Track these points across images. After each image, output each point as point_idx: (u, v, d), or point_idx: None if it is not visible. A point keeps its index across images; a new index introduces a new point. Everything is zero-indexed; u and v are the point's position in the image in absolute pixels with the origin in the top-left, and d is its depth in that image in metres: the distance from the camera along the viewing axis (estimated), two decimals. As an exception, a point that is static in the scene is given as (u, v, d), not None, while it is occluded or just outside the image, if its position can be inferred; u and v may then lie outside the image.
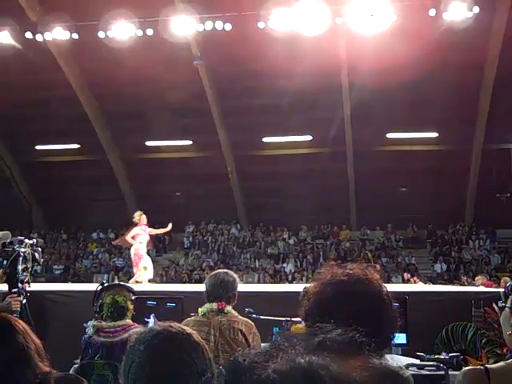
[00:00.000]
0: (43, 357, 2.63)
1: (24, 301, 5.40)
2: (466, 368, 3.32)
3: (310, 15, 16.57)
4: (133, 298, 5.23)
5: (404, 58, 18.75)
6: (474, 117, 23.06)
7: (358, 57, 19.80)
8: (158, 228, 14.26)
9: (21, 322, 2.68)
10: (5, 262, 5.57)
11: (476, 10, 16.41)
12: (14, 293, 5.39)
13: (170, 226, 14.02)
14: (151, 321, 5.79)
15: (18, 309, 5.25)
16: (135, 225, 13.17)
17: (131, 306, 5.12)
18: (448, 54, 19.94)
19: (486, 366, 3.09)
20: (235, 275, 5.06)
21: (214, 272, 5.15)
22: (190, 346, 2.02)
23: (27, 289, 5.54)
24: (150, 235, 13.46)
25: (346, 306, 2.12)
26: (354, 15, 16.72)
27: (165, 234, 13.73)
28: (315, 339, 1.09)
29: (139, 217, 13.17)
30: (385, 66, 18.84)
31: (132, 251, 13.15)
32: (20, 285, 5.46)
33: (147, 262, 13.06)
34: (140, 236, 13.04)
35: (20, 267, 5.51)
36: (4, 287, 5.84)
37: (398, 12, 16.54)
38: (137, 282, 12.45)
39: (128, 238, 13.17)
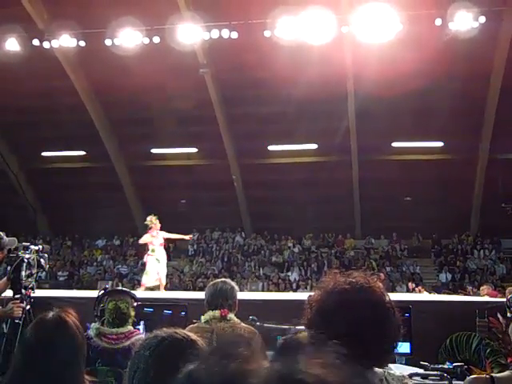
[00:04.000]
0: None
1: (28, 307, 5.40)
2: (472, 376, 3.32)
3: (316, 24, 16.62)
4: (134, 304, 5.22)
5: (410, 67, 18.77)
6: (479, 126, 23.03)
7: (364, 66, 19.82)
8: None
9: (73, 317, 2.79)
10: (9, 267, 5.59)
11: (482, 19, 16.43)
12: (17, 299, 5.39)
13: (190, 236, 13.80)
14: (141, 328, 5.77)
15: (20, 315, 5.25)
16: (148, 229, 13.08)
17: (133, 313, 5.11)
18: (454, 64, 19.93)
19: (492, 374, 3.09)
20: (233, 283, 5.09)
21: (212, 282, 5.18)
22: (195, 353, 2.02)
23: (32, 295, 5.54)
24: (164, 239, 13.26)
25: (348, 314, 2.12)
26: (360, 24, 16.76)
27: (180, 239, 13.54)
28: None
29: (155, 221, 13.02)
30: (390, 75, 18.85)
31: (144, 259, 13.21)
32: (24, 291, 5.46)
33: (151, 268, 12.89)
34: (151, 244, 12.92)
35: (24, 273, 5.51)
36: (8, 293, 5.86)
37: (404, 21, 16.58)
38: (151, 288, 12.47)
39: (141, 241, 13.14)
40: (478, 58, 19.97)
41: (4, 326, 5.37)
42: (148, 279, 12.76)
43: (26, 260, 5.56)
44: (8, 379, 2.66)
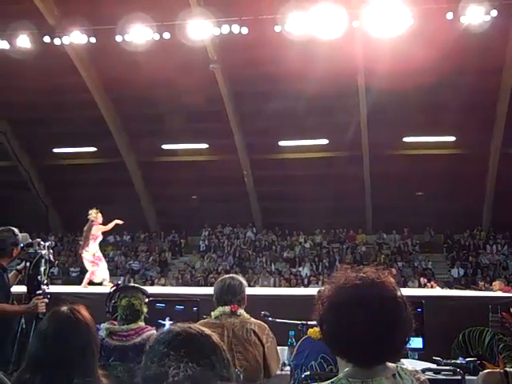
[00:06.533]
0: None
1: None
2: (486, 371, 3.30)
3: (326, 19, 16.53)
4: (146, 300, 5.25)
5: (421, 61, 18.68)
6: (491, 121, 22.91)
7: (375, 60, 19.75)
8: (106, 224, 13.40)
9: (85, 311, 2.87)
10: (27, 263, 5.63)
11: (494, 13, 16.28)
12: (39, 294, 5.44)
13: (116, 220, 13.38)
14: (167, 323, 5.80)
15: (44, 310, 5.29)
16: (91, 222, 12.31)
17: (145, 309, 5.14)
18: (465, 58, 19.83)
19: (506, 369, 3.08)
20: (241, 278, 5.10)
21: (220, 278, 5.18)
22: (210, 347, 2.03)
23: (46, 290, 5.59)
24: (102, 233, 12.69)
25: (360, 309, 2.11)
26: (371, 19, 16.66)
27: (112, 229, 13.09)
28: None
29: (96, 214, 12.37)
30: (402, 69, 18.78)
31: (90, 252, 12.24)
32: (43, 286, 5.52)
33: (105, 263, 12.57)
34: (99, 237, 12.50)
35: (42, 269, 5.57)
36: (20, 288, 5.89)
37: (415, 16, 16.45)
38: (101, 283, 12.21)
39: (90, 236, 12.28)
40: (490, 52, 19.86)
41: (23, 321, 5.44)
42: (105, 274, 12.46)
43: (44, 256, 5.62)
44: (24, 368, 2.72)
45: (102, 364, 4.50)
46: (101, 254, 12.58)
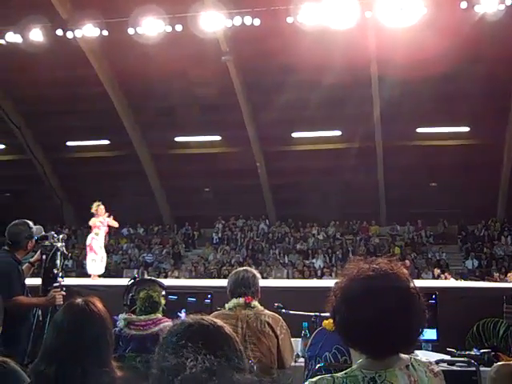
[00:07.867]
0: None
1: (61, 294, 5.52)
2: (499, 363, 3.30)
3: (339, 9, 16.45)
4: (163, 293, 5.30)
5: (435, 51, 18.56)
6: (506, 110, 22.74)
7: (388, 51, 19.62)
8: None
9: (99, 303, 2.88)
10: (43, 256, 5.67)
11: (509, 2, 16.12)
12: (57, 287, 5.49)
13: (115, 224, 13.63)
14: (182, 316, 5.83)
15: (61, 302, 5.34)
16: (93, 216, 12.82)
17: (163, 301, 5.20)
18: (480, 47, 19.67)
19: (518, 361, 3.07)
20: (255, 271, 5.11)
21: (234, 271, 5.20)
22: (222, 339, 2.03)
23: (62, 283, 5.64)
24: (108, 226, 13.04)
25: (373, 300, 2.11)
26: (384, 9, 16.56)
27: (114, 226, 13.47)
28: None
29: (97, 207, 12.78)
30: (415, 59, 18.67)
31: (87, 242, 12.91)
32: (59, 279, 5.57)
33: (99, 255, 12.81)
34: (96, 228, 12.81)
35: (58, 262, 5.62)
36: (33, 281, 5.93)
37: (429, 5, 16.34)
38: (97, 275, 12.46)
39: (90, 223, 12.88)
40: (505, 40, 19.64)
41: (39, 313, 5.49)
42: (98, 267, 12.75)
43: (60, 249, 5.67)
44: (39, 359, 2.76)
45: (118, 355, 4.54)
46: (95, 246, 12.78)
